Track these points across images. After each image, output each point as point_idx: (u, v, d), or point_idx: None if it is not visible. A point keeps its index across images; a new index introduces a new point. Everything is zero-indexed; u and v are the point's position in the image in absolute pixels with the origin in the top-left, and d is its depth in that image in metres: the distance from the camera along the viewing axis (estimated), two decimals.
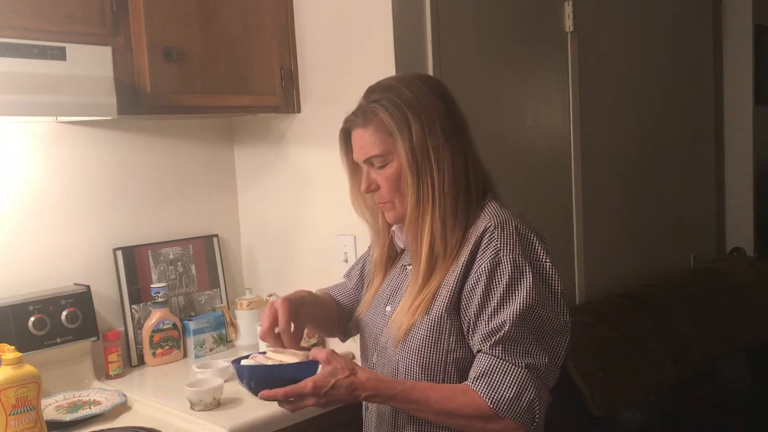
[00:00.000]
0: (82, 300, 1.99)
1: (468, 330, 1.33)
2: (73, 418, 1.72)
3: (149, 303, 2.18)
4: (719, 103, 3.46)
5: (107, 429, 1.69)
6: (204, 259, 2.37)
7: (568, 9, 2.55)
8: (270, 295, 2.32)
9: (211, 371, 1.93)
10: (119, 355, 2.07)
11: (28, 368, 1.56)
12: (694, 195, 3.33)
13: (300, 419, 1.71)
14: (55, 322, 1.92)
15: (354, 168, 1.46)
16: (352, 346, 1.71)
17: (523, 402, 1.25)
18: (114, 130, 2.20)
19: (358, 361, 1.47)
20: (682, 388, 2.49)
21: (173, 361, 2.19)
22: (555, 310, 1.31)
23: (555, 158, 2.58)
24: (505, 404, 1.25)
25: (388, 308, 1.44)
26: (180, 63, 1.93)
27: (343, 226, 2.12)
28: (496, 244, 1.30)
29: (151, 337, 2.14)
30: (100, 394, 1.88)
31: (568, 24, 2.56)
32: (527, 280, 1.28)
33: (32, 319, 1.88)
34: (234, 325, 2.29)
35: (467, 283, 1.32)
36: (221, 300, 2.40)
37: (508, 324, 1.26)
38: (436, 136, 1.34)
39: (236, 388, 1.86)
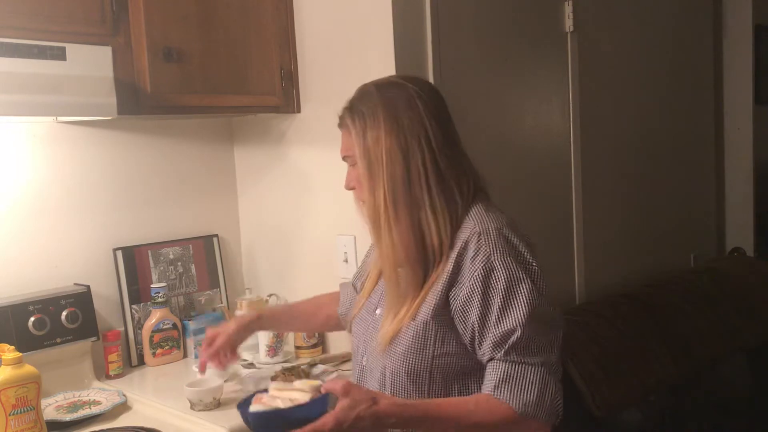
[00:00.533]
0: (82, 300, 1.99)
1: (472, 340, 1.32)
2: (73, 418, 1.72)
3: (149, 303, 2.18)
4: (719, 103, 3.46)
5: (107, 429, 1.69)
6: (204, 259, 2.37)
7: (568, 9, 2.55)
8: (270, 295, 2.32)
9: (211, 371, 1.92)
10: (119, 355, 2.07)
11: (28, 368, 1.56)
12: (694, 195, 3.33)
13: None
14: (55, 322, 1.92)
15: None
16: None
17: (546, 400, 1.27)
18: (114, 130, 2.20)
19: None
20: (682, 388, 2.48)
21: (173, 361, 2.19)
22: (550, 308, 1.33)
23: (555, 158, 2.58)
24: (531, 407, 1.26)
25: (378, 311, 1.45)
26: (180, 63, 1.93)
27: (343, 226, 2.12)
28: (486, 250, 1.31)
29: (151, 337, 2.14)
30: (100, 394, 1.88)
31: (568, 24, 2.56)
32: (525, 282, 1.29)
33: (32, 319, 1.88)
34: None
35: (459, 292, 1.32)
36: (221, 300, 2.40)
37: (519, 329, 1.27)
38: (395, 143, 1.34)
39: (236, 388, 1.87)
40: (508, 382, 1.27)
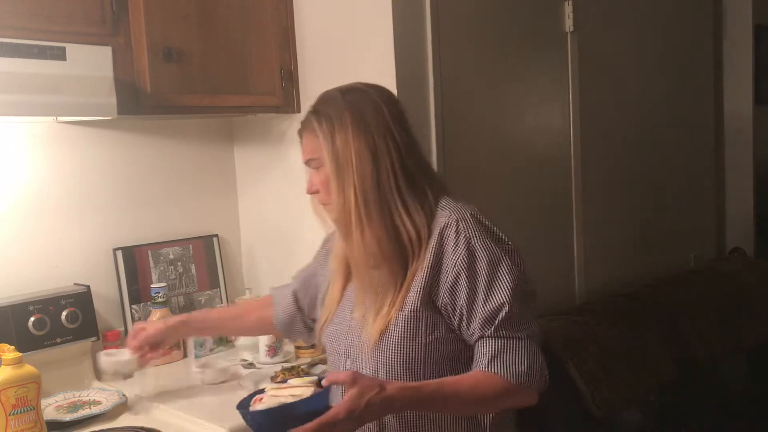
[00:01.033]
0: (82, 300, 1.99)
1: (460, 322, 1.37)
2: (73, 418, 1.72)
3: (149, 303, 2.18)
4: (719, 103, 3.46)
5: (107, 429, 1.69)
6: (204, 259, 2.37)
7: (568, 9, 2.55)
8: None
9: (211, 371, 1.93)
10: None
11: (28, 368, 1.56)
12: (694, 195, 3.33)
13: None
14: (55, 322, 1.92)
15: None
16: None
17: (536, 369, 1.35)
18: (114, 130, 2.20)
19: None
20: (682, 388, 2.49)
21: (173, 361, 2.18)
22: (525, 282, 1.39)
23: (555, 158, 2.58)
24: (523, 377, 1.33)
25: (356, 314, 1.46)
26: (180, 63, 1.93)
27: None
28: (465, 235, 1.36)
29: None
30: (100, 394, 1.87)
31: (568, 24, 2.56)
32: (504, 260, 1.36)
33: (32, 319, 1.88)
34: None
35: (445, 278, 1.37)
36: (221, 300, 2.40)
37: (506, 305, 1.34)
38: (364, 144, 1.37)
39: (234, 386, 1.87)
40: (501, 357, 1.33)
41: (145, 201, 2.28)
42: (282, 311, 1.73)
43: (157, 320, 1.83)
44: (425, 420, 1.39)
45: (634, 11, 2.90)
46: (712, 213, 3.46)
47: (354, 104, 1.40)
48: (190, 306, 2.32)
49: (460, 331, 1.38)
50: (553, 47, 2.55)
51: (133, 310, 2.19)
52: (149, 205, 2.29)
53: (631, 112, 2.91)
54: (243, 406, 1.31)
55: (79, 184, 2.13)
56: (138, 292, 2.21)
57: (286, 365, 2.02)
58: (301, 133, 1.48)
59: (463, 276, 1.35)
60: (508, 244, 1.39)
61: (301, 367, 1.97)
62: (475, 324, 1.35)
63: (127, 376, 1.78)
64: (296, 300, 1.71)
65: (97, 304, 2.07)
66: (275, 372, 1.89)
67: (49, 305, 1.92)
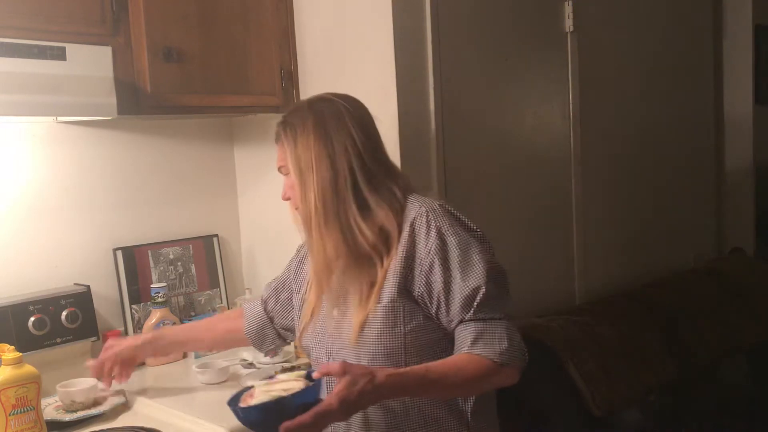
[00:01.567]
0: (82, 300, 1.99)
1: (438, 310, 1.41)
2: (72, 418, 1.72)
3: (149, 303, 2.18)
4: (719, 103, 3.46)
5: (107, 429, 1.69)
6: (204, 259, 2.37)
7: (568, 9, 2.55)
8: None
9: (211, 371, 1.93)
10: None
11: (28, 368, 1.56)
12: (694, 195, 3.33)
13: None
14: (55, 322, 1.92)
15: None
16: None
17: (515, 347, 1.39)
18: (114, 130, 2.20)
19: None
20: (682, 388, 2.49)
21: (173, 361, 2.18)
22: (498, 264, 1.44)
23: (555, 158, 2.58)
24: (505, 355, 1.37)
25: (335, 312, 1.48)
26: (180, 63, 1.93)
27: None
28: (436, 224, 1.40)
29: None
30: (100, 394, 1.87)
31: (568, 24, 2.56)
32: (474, 243, 1.41)
33: (32, 319, 1.88)
34: None
35: (420, 268, 1.40)
36: (221, 300, 2.40)
37: (482, 286, 1.37)
38: (323, 149, 1.43)
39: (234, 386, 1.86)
40: (483, 338, 1.37)
41: (145, 201, 2.28)
42: (251, 321, 1.75)
43: (128, 338, 1.89)
44: (408, 409, 1.43)
45: (634, 11, 2.90)
46: (712, 213, 3.46)
47: (317, 112, 1.47)
48: (190, 306, 2.32)
49: (438, 318, 1.42)
50: (553, 47, 2.55)
51: (133, 310, 2.19)
52: (149, 205, 2.28)
53: (631, 111, 2.91)
54: (233, 402, 1.30)
55: (79, 184, 2.13)
56: (138, 292, 2.21)
57: (286, 365, 2.02)
58: (275, 142, 1.55)
59: (437, 264, 1.39)
60: (477, 231, 1.44)
61: (301, 367, 1.97)
62: (454, 309, 1.39)
63: (88, 404, 1.76)
64: (266, 309, 1.74)
65: (97, 304, 2.07)
66: (275, 372, 1.88)
67: (49, 305, 1.92)
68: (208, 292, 2.38)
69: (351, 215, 1.42)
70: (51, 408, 1.79)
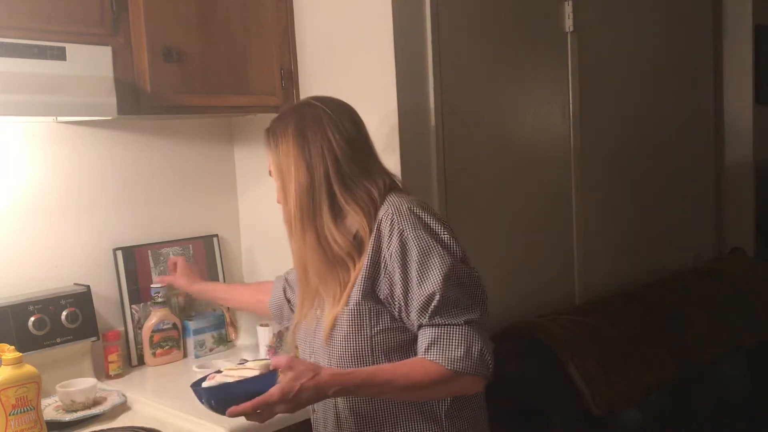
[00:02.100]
0: (82, 300, 1.99)
1: (400, 313, 1.42)
2: (72, 418, 1.72)
3: (149, 303, 2.18)
4: (719, 103, 3.46)
5: (107, 429, 1.69)
6: (204, 259, 2.37)
7: (568, 9, 2.55)
8: None
9: (211, 371, 1.92)
10: (119, 355, 2.07)
11: (28, 368, 1.56)
12: (694, 195, 3.33)
13: (301, 419, 1.71)
14: (55, 322, 1.92)
15: None
16: None
17: (474, 355, 1.35)
18: (114, 130, 2.20)
19: None
20: (682, 388, 2.49)
21: (173, 361, 2.19)
22: (468, 267, 1.42)
23: (555, 158, 2.58)
24: (459, 362, 1.35)
25: (318, 311, 1.52)
26: (180, 63, 1.93)
27: None
28: (398, 227, 1.40)
29: (151, 337, 2.14)
30: (100, 394, 1.87)
31: (568, 24, 2.56)
32: (436, 248, 1.39)
33: (32, 319, 1.88)
34: (234, 325, 2.29)
35: (382, 271, 1.42)
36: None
37: (437, 293, 1.36)
38: (300, 155, 1.46)
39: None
40: (437, 344, 1.36)
41: (145, 201, 2.28)
42: (273, 300, 1.88)
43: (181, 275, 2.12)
44: (381, 412, 1.45)
45: (634, 11, 2.90)
46: (712, 213, 3.46)
47: (298, 118, 1.50)
48: (190, 306, 2.32)
49: (402, 320, 1.43)
50: (553, 47, 2.55)
51: (133, 310, 2.19)
52: (149, 205, 2.28)
53: (631, 111, 2.91)
54: (197, 383, 1.39)
55: (79, 184, 2.13)
56: (138, 292, 2.21)
57: None
58: (265, 147, 1.57)
59: (396, 267, 1.39)
60: (443, 235, 1.41)
61: None
62: (413, 313, 1.39)
63: (88, 404, 1.78)
64: (285, 292, 1.84)
65: (97, 304, 2.07)
66: (243, 359, 1.89)
67: (49, 305, 1.92)
68: None
69: (325, 223, 1.45)
70: (51, 408, 1.79)
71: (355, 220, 1.44)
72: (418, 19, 2.04)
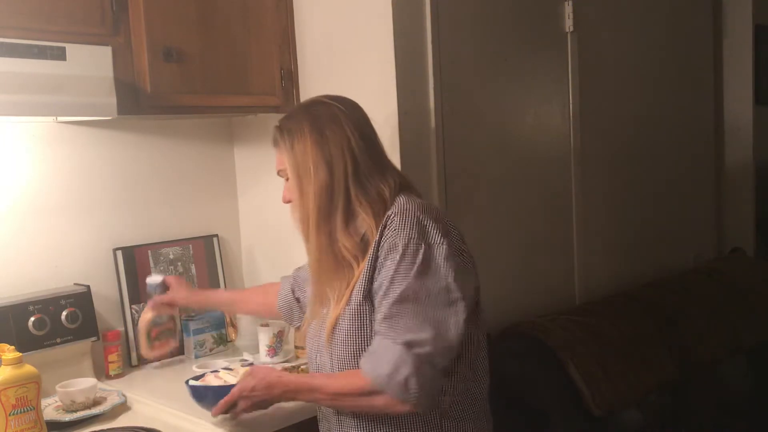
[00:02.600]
0: (82, 300, 1.99)
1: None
2: (72, 418, 1.72)
3: (147, 299, 2.04)
4: (719, 103, 3.46)
5: (107, 429, 1.69)
6: (204, 259, 2.37)
7: (568, 9, 2.55)
8: None
9: (208, 370, 1.92)
10: (119, 355, 2.07)
11: (28, 368, 1.56)
12: (694, 195, 3.33)
13: (301, 419, 1.71)
14: (55, 322, 1.92)
15: None
16: None
17: (399, 377, 1.32)
18: (114, 130, 2.20)
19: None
20: (682, 388, 2.49)
21: (170, 355, 2.17)
22: (444, 287, 1.37)
23: (555, 158, 2.58)
24: (382, 379, 1.34)
25: (325, 310, 1.52)
26: (180, 63, 1.93)
27: None
28: (393, 230, 1.40)
29: (149, 331, 2.02)
30: (100, 394, 1.87)
31: (568, 24, 2.56)
32: (416, 261, 1.36)
33: (32, 319, 1.88)
34: (234, 325, 2.29)
35: (376, 272, 1.42)
36: None
37: (392, 305, 1.36)
38: (320, 154, 1.45)
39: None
40: (373, 354, 1.37)
41: (145, 201, 2.28)
42: (281, 300, 1.87)
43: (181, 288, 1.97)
44: (379, 420, 1.44)
45: (634, 11, 2.90)
46: (712, 213, 3.46)
47: (314, 116, 1.48)
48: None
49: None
50: (553, 47, 2.55)
51: (133, 310, 2.19)
52: (149, 205, 2.28)
53: (631, 112, 2.91)
54: (193, 378, 1.66)
55: (79, 184, 2.13)
56: (138, 292, 2.21)
57: (286, 365, 2.03)
58: (273, 146, 1.57)
59: (383, 270, 1.39)
60: (437, 249, 1.38)
61: (301, 366, 1.97)
62: (377, 317, 1.39)
63: (88, 404, 1.78)
64: (293, 291, 1.84)
65: (97, 304, 2.07)
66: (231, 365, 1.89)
67: (49, 305, 1.92)
68: None
69: (338, 224, 1.45)
70: (51, 408, 1.79)
71: (364, 222, 1.44)
72: (418, 19, 2.04)
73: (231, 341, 2.30)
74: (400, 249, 1.37)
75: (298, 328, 2.01)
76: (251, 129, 2.41)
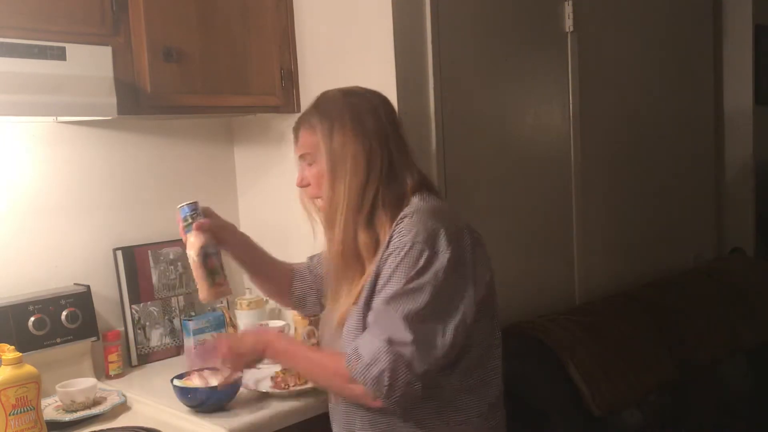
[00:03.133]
0: (82, 300, 1.99)
1: None
2: (72, 418, 1.72)
3: (184, 225, 1.72)
4: (719, 103, 3.46)
5: (107, 429, 1.69)
6: None
7: (568, 9, 2.55)
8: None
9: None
10: (119, 355, 2.07)
11: (28, 368, 1.56)
12: (694, 195, 3.33)
13: (301, 419, 1.71)
14: (55, 322, 1.92)
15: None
16: None
17: (374, 370, 1.33)
18: (114, 130, 2.20)
19: None
20: (682, 388, 2.49)
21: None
22: (438, 295, 1.35)
23: (555, 158, 2.58)
24: (359, 368, 1.34)
25: (339, 302, 1.52)
26: (180, 63, 1.93)
27: None
28: (401, 230, 1.39)
29: (205, 261, 1.61)
30: (100, 394, 1.88)
31: (568, 24, 2.56)
32: (416, 264, 1.35)
33: (32, 319, 1.88)
34: (234, 325, 2.29)
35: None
36: (221, 300, 2.39)
37: (381, 302, 1.37)
38: (361, 147, 1.43)
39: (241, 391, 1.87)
40: (356, 343, 1.38)
41: (145, 201, 2.28)
42: (296, 287, 1.80)
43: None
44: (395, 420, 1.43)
45: (634, 11, 2.90)
46: (712, 213, 3.46)
47: (354, 106, 1.46)
48: (190, 306, 2.32)
49: None
50: (553, 47, 2.55)
51: (133, 310, 2.19)
52: (149, 205, 2.28)
53: (631, 112, 2.91)
54: (178, 376, 1.78)
55: (79, 184, 2.13)
56: (138, 292, 2.21)
57: None
58: (297, 128, 1.53)
59: (382, 269, 1.39)
60: (445, 254, 1.36)
61: None
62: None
63: (88, 404, 1.78)
64: (308, 282, 1.79)
65: (97, 304, 2.07)
66: (275, 372, 1.89)
67: (49, 305, 1.92)
68: None
69: (360, 222, 1.43)
70: (51, 408, 1.79)
71: (381, 219, 1.44)
72: (418, 19, 2.04)
73: None
74: (403, 250, 1.36)
75: (310, 317, 2.01)
76: (251, 129, 2.41)
